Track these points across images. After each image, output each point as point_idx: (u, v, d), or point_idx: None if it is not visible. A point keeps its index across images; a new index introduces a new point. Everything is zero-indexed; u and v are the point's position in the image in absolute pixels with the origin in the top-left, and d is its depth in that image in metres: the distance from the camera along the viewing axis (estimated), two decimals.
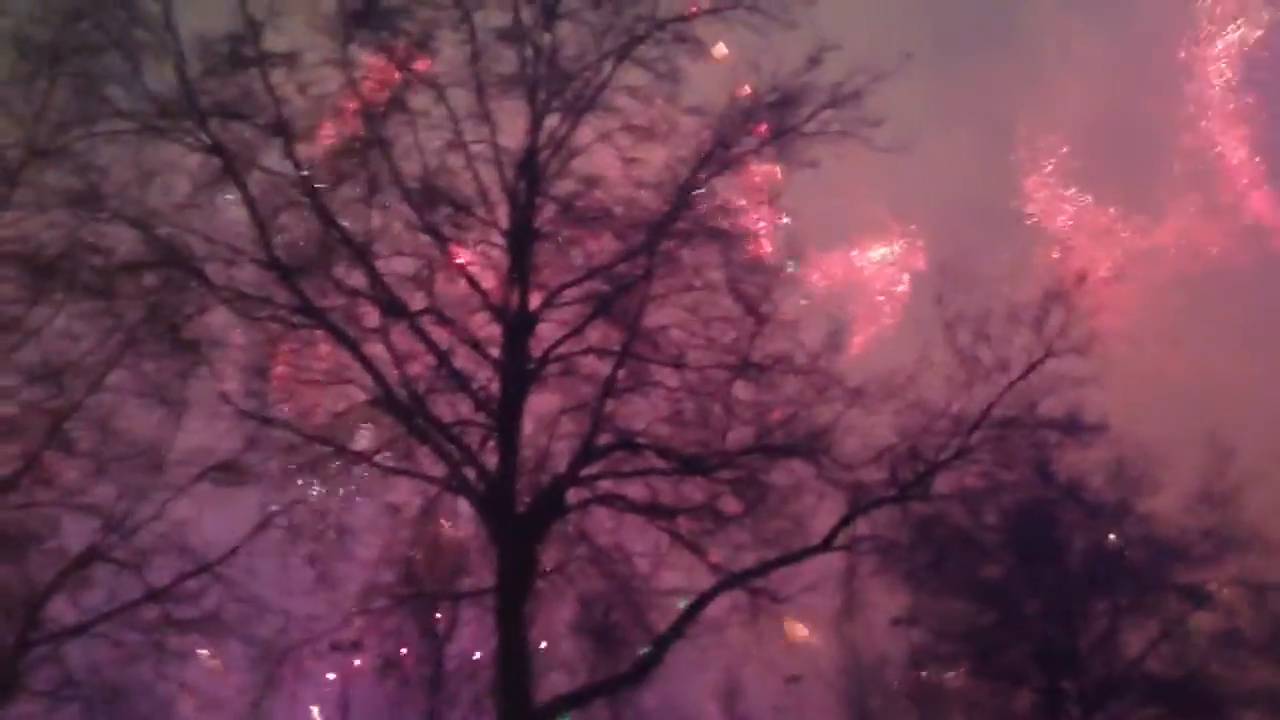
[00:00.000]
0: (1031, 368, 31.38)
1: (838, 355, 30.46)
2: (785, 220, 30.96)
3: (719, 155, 29.67)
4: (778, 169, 30.29)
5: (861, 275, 53.73)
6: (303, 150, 28.53)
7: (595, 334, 30.02)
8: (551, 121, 29.33)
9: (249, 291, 28.42)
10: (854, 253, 53.69)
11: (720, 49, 30.10)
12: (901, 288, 53.61)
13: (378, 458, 30.25)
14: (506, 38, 29.13)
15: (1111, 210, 56.60)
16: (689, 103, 29.67)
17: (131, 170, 27.48)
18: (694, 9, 29.43)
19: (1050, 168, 57.02)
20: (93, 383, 28.03)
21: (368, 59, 29.05)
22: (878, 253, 54.38)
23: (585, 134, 29.59)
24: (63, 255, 26.86)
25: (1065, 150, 56.96)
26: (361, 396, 29.53)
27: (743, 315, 29.98)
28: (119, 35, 27.61)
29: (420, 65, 29.21)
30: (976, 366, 31.18)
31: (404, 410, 28.93)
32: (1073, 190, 56.97)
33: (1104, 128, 57.17)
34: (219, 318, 28.85)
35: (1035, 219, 57.08)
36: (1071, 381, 31.70)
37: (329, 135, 29.08)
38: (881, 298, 51.69)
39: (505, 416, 28.87)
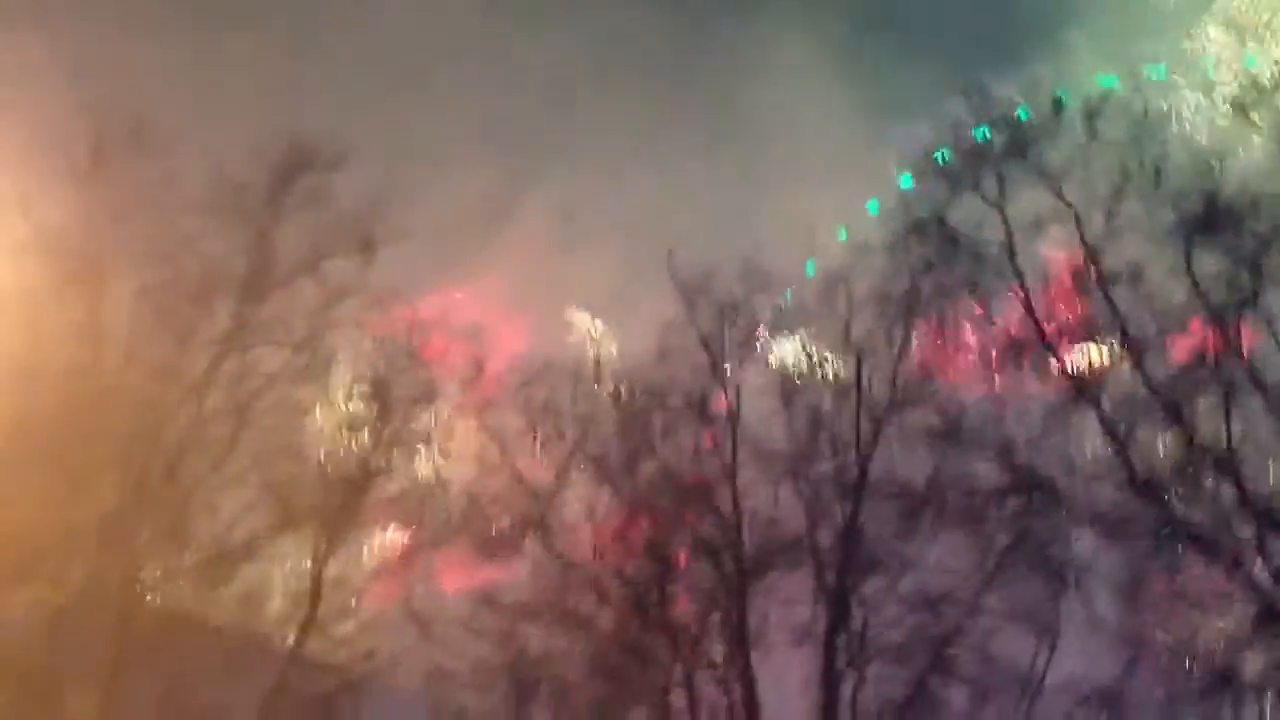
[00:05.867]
0: None
1: None
2: None
3: None
4: None
5: None
6: (1154, 365, 28.20)
7: None
8: None
9: (1112, 511, 28.20)
10: None
11: None
12: None
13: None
14: None
15: None
16: None
17: (987, 404, 28.87)
18: None
19: None
20: (969, 609, 29.08)
21: (1213, 266, 28.23)
22: None
23: None
24: (929, 489, 28.66)
25: None
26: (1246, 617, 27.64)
27: None
28: (969, 279, 29.63)
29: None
30: None
31: None
32: None
33: None
34: (1087, 539, 28.80)
35: None
36: None
37: (1180, 348, 28.48)
38: None
39: None
